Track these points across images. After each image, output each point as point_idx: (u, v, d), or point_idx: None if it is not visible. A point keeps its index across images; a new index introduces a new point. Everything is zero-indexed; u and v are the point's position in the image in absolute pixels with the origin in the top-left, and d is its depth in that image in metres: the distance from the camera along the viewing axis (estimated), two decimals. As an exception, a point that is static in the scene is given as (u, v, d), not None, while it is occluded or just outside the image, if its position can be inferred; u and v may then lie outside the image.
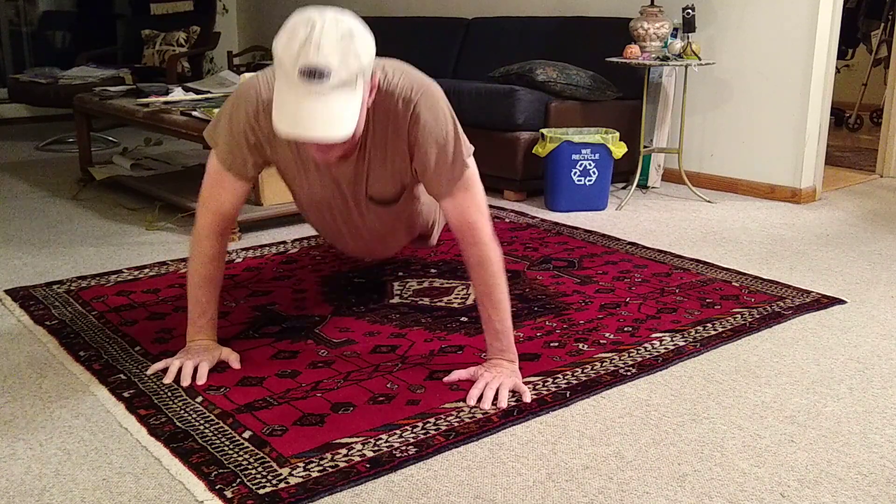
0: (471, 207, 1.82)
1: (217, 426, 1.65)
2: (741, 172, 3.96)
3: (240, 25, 7.17)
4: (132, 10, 6.76)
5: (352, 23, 1.58)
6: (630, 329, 2.19)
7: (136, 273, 2.64)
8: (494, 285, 1.83)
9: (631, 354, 2.03)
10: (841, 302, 2.44)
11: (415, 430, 1.65)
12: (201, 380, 1.84)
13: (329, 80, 1.53)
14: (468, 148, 1.83)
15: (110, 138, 5.27)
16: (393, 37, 5.27)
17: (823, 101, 3.76)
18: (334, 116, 1.55)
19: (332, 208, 2.06)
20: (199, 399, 1.77)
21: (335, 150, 1.69)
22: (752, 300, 2.42)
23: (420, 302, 2.37)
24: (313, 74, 1.52)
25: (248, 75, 3.52)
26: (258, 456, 1.54)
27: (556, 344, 2.09)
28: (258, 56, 6.60)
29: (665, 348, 2.07)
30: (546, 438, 1.64)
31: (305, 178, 1.96)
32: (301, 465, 1.51)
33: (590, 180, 3.57)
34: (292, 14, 1.60)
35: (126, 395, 1.79)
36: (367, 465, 1.52)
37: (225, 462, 1.52)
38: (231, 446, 1.57)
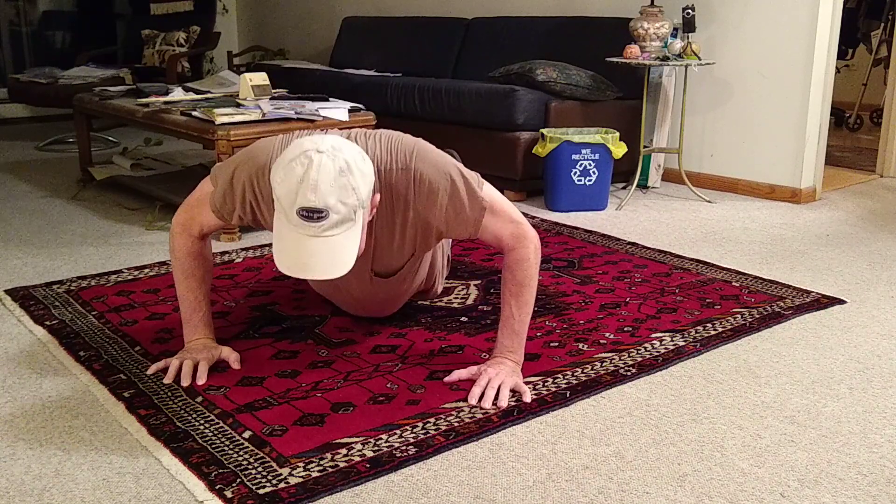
0: (504, 225, 1.81)
1: (217, 426, 1.65)
2: (741, 172, 3.96)
3: (240, 25, 7.17)
4: (132, 10, 6.76)
5: (348, 155, 1.56)
6: (630, 329, 2.19)
7: (136, 273, 2.64)
8: (526, 286, 1.83)
9: (631, 354, 2.03)
10: (841, 302, 2.44)
11: (415, 430, 1.65)
12: (201, 379, 1.84)
13: (328, 219, 1.53)
14: (477, 180, 1.80)
15: (110, 138, 5.27)
16: (393, 37, 5.27)
17: (823, 101, 3.76)
18: (334, 255, 1.56)
19: (335, 283, 2.04)
20: (199, 399, 1.77)
21: None
22: (752, 300, 2.42)
23: (420, 302, 2.36)
24: (311, 215, 1.52)
25: (248, 75, 3.52)
26: (258, 456, 1.54)
27: (556, 344, 2.09)
28: (258, 56, 6.60)
29: (665, 348, 2.07)
30: (546, 438, 1.64)
31: None
32: (301, 465, 1.51)
33: (590, 180, 3.57)
34: (291, 143, 1.58)
35: (126, 395, 1.79)
36: (367, 465, 1.52)
37: (225, 462, 1.52)
38: (231, 446, 1.57)
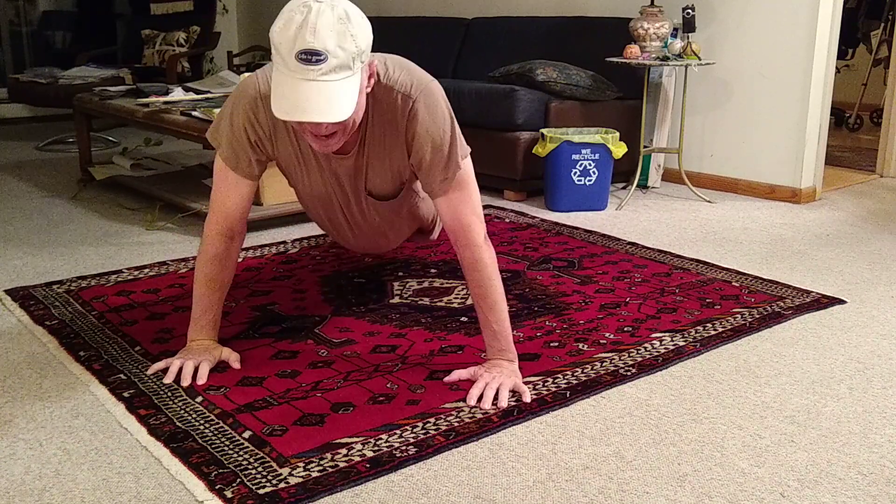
0: (465, 208, 1.82)
1: (217, 426, 1.65)
2: (741, 172, 3.96)
3: (240, 25, 7.17)
4: (132, 10, 6.76)
5: (347, 6, 1.58)
6: (630, 329, 2.19)
7: (136, 273, 2.64)
8: (489, 287, 1.83)
9: (631, 354, 2.03)
10: (841, 302, 2.44)
11: (415, 430, 1.65)
12: (202, 380, 1.84)
13: (326, 62, 1.53)
14: (464, 149, 1.84)
15: (110, 138, 5.27)
16: (393, 37, 5.27)
17: (823, 101, 3.76)
18: (332, 99, 1.55)
19: (333, 203, 2.07)
20: (199, 399, 1.77)
21: (333, 138, 1.68)
22: (752, 300, 2.42)
23: (420, 302, 2.37)
24: (310, 58, 1.52)
25: (247, 75, 3.52)
26: (258, 456, 1.54)
27: (556, 344, 2.09)
28: (258, 56, 6.59)
29: (665, 348, 2.07)
30: (546, 438, 1.64)
31: (307, 173, 1.97)
32: (301, 465, 1.51)
33: (590, 180, 3.57)
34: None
35: (126, 395, 1.79)
36: (367, 465, 1.52)
37: (225, 462, 1.52)
38: (231, 446, 1.57)
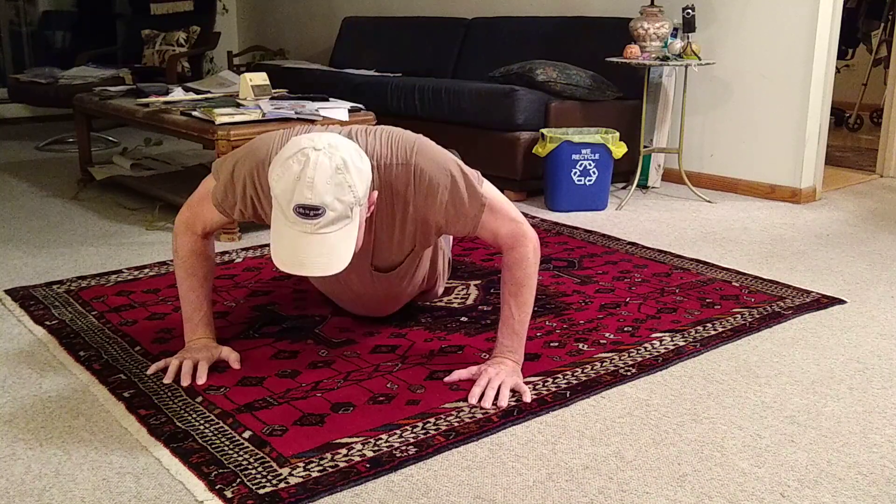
0: (503, 223, 1.81)
1: (217, 426, 1.65)
2: (741, 172, 3.96)
3: (240, 25, 7.17)
4: (132, 10, 6.76)
5: (345, 153, 1.57)
6: (630, 329, 2.19)
7: (136, 273, 2.64)
8: (525, 285, 1.83)
9: (631, 354, 2.03)
10: (841, 302, 2.44)
11: (415, 430, 1.65)
12: (201, 378, 1.84)
13: (324, 216, 1.53)
14: (477, 177, 1.80)
15: (110, 138, 5.27)
16: (393, 37, 5.27)
17: (823, 101, 3.76)
18: (331, 252, 1.56)
19: (334, 280, 2.04)
20: (199, 399, 1.77)
21: None
22: (752, 300, 2.42)
23: (421, 303, 2.36)
24: (308, 213, 1.53)
25: (248, 75, 3.52)
26: (258, 456, 1.54)
27: (556, 344, 2.09)
28: (258, 56, 6.60)
29: (665, 348, 2.07)
30: (546, 438, 1.64)
31: None
32: (301, 465, 1.51)
33: (590, 180, 3.57)
34: (289, 140, 1.58)
35: (126, 395, 1.79)
36: (367, 465, 1.52)
37: (225, 462, 1.52)
38: (231, 446, 1.57)
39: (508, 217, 1.82)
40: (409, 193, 1.76)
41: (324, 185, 1.52)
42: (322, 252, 1.56)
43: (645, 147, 3.95)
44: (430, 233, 1.84)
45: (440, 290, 2.35)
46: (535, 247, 1.83)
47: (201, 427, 1.65)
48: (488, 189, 1.81)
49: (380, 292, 2.06)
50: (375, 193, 1.70)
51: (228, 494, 1.41)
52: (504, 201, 1.83)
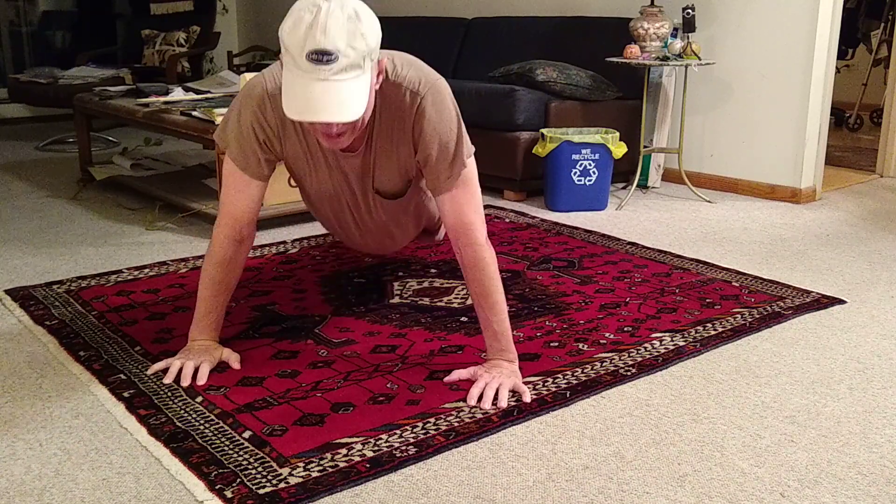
0: (467, 207, 1.82)
1: (217, 426, 1.65)
2: (741, 172, 3.96)
3: (240, 25, 7.17)
4: (132, 10, 6.76)
5: (357, 5, 1.58)
6: (630, 329, 2.19)
7: (136, 273, 2.64)
8: (490, 287, 1.83)
9: (631, 354, 2.03)
10: (841, 302, 2.44)
11: (415, 430, 1.65)
12: (202, 380, 1.84)
13: (337, 62, 1.53)
14: (469, 148, 1.84)
15: (110, 138, 5.27)
16: (393, 37, 5.27)
17: (823, 101, 3.75)
18: (344, 99, 1.56)
19: (341, 201, 2.07)
20: (199, 399, 1.77)
21: (343, 136, 1.69)
22: (752, 300, 2.42)
23: (420, 302, 2.37)
24: (321, 58, 1.53)
25: (248, 75, 3.52)
26: (258, 456, 1.54)
27: (556, 344, 2.09)
28: (258, 56, 6.60)
29: (665, 348, 2.07)
30: (546, 438, 1.64)
31: (315, 171, 1.96)
32: (301, 465, 1.51)
33: (590, 180, 3.57)
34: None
35: (126, 395, 1.79)
36: (367, 465, 1.52)
37: (225, 462, 1.52)
38: (231, 446, 1.57)
39: (476, 209, 1.84)
40: (406, 120, 1.80)
41: (337, 30, 1.53)
42: (335, 98, 1.55)
43: (645, 147, 3.95)
44: (416, 166, 1.88)
45: (441, 234, 2.37)
46: (491, 254, 1.84)
47: (201, 427, 1.65)
48: (472, 165, 1.85)
49: (383, 218, 2.08)
50: (385, 61, 1.71)
51: (228, 494, 1.41)
52: (478, 191, 1.86)
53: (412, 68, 1.80)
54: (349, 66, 1.55)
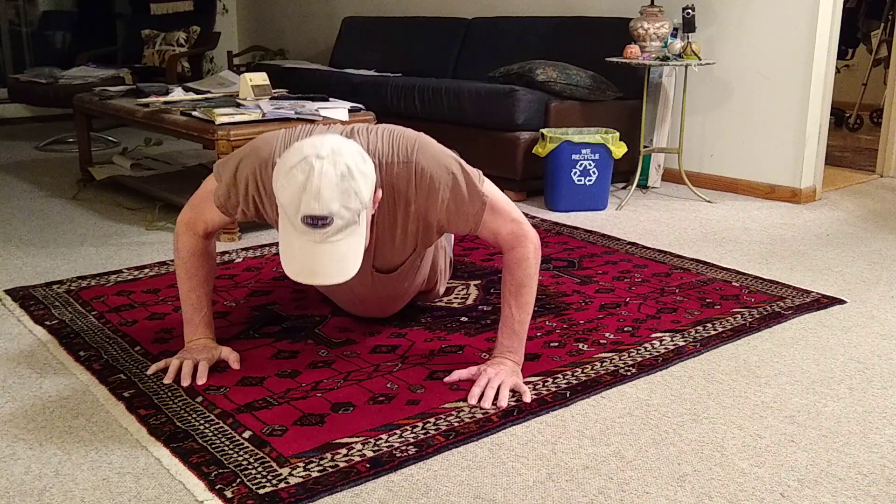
0: (504, 223, 1.81)
1: (217, 426, 1.65)
2: (741, 172, 3.96)
3: (240, 25, 7.17)
4: (132, 10, 6.76)
5: (349, 159, 1.56)
6: (630, 329, 2.19)
7: (136, 273, 2.64)
8: (525, 285, 1.83)
9: (631, 354, 2.03)
10: (841, 302, 2.44)
11: (415, 430, 1.65)
12: (201, 379, 1.84)
13: (332, 225, 1.54)
14: (478, 176, 1.80)
15: (110, 138, 5.27)
16: (393, 37, 5.27)
17: (823, 101, 3.76)
18: (341, 259, 1.57)
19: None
20: (199, 399, 1.77)
21: None
22: (752, 300, 2.42)
23: (421, 303, 2.36)
24: (316, 223, 1.53)
25: (248, 75, 3.52)
26: (258, 456, 1.54)
27: (556, 344, 2.09)
28: (258, 56, 6.60)
29: (665, 348, 2.07)
30: (546, 438, 1.64)
31: None
32: (301, 465, 1.51)
33: (590, 180, 3.57)
34: (291, 145, 1.59)
35: (126, 395, 1.79)
36: (367, 465, 1.52)
37: (225, 462, 1.52)
38: (231, 446, 1.57)
39: (509, 217, 1.82)
40: (410, 192, 1.76)
41: (330, 194, 1.53)
42: (333, 260, 1.57)
43: (645, 147, 3.95)
44: (431, 231, 1.84)
45: (441, 290, 2.35)
46: (535, 247, 1.83)
47: (201, 427, 1.65)
48: (489, 188, 1.81)
49: (381, 293, 2.05)
50: (380, 192, 1.70)
51: (228, 494, 1.41)
52: (505, 201, 1.83)
53: (384, 140, 1.76)
54: (344, 227, 1.56)
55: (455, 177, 1.76)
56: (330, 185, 1.53)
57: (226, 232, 3.03)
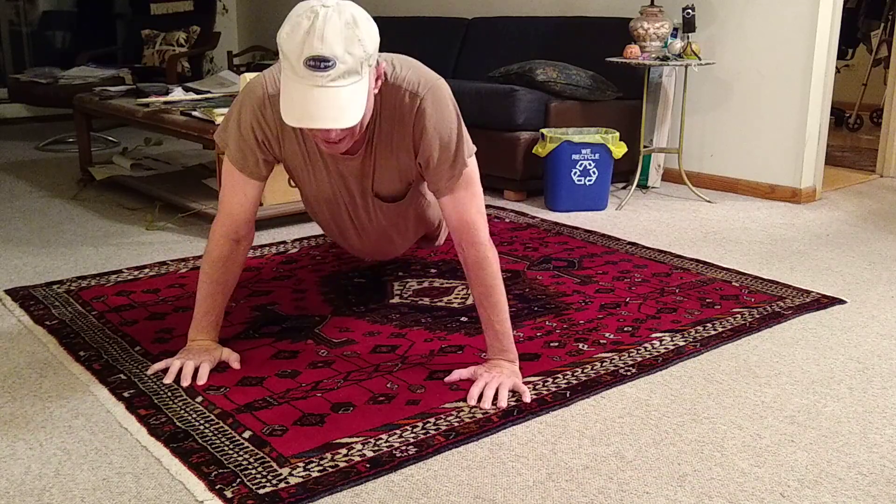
0: (470, 206, 1.82)
1: (217, 426, 1.65)
2: (741, 172, 3.96)
3: (240, 25, 7.17)
4: (132, 10, 6.76)
5: (354, 10, 1.58)
6: (630, 329, 2.19)
7: (136, 273, 2.64)
8: (492, 286, 1.83)
9: (631, 354, 2.03)
10: (841, 302, 2.44)
11: (415, 430, 1.65)
12: (202, 380, 1.84)
13: (335, 68, 1.54)
14: (470, 148, 1.84)
15: (110, 138, 5.27)
16: (393, 37, 5.27)
17: (823, 101, 3.76)
18: (341, 105, 1.56)
19: (339, 205, 2.07)
20: (199, 399, 1.77)
21: (343, 142, 1.69)
22: (752, 300, 2.42)
23: (420, 302, 2.37)
24: (318, 64, 1.53)
25: (248, 75, 3.52)
26: (258, 456, 1.54)
27: (556, 344, 2.09)
28: (258, 56, 6.60)
29: (665, 348, 2.07)
30: (546, 438, 1.64)
31: (313, 174, 1.96)
32: (301, 465, 1.51)
33: (590, 180, 3.57)
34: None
35: (126, 395, 1.79)
36: (367, 465, 1.52)
37: (225, 462, 1.52)
38: (231, 446, 1.57)
39: (478, 209, 1.84)
40: (406, 122, 1.79)
41: (334, 37, 1.53)
42: (333, 105, 1.56)
43: (645, 147, 3.95)
44: (416, 168, 1.88)
45: (442, 239, 2.36)
46: (494, 254, 1.85)
47: (201, 427, 1.65)
48: (473, 165, 1.85)
49: (383, 223, 2.07)
50: (383, 66, 1.72)
51: (228, 494, 1.41)
52: (480, 191, 1.87)
53: (411, 70, 1.80)
54: (347, 72, 1.55)
55: (449, 134, 1.79)
56: (335, 30, 1.53)
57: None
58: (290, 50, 1.55)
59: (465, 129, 1.83)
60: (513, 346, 1.87)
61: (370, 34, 1.59)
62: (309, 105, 1.55)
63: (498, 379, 1.79)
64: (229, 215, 1.89)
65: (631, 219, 3.45)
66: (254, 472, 1.49)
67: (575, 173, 3.54)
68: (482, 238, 1.83)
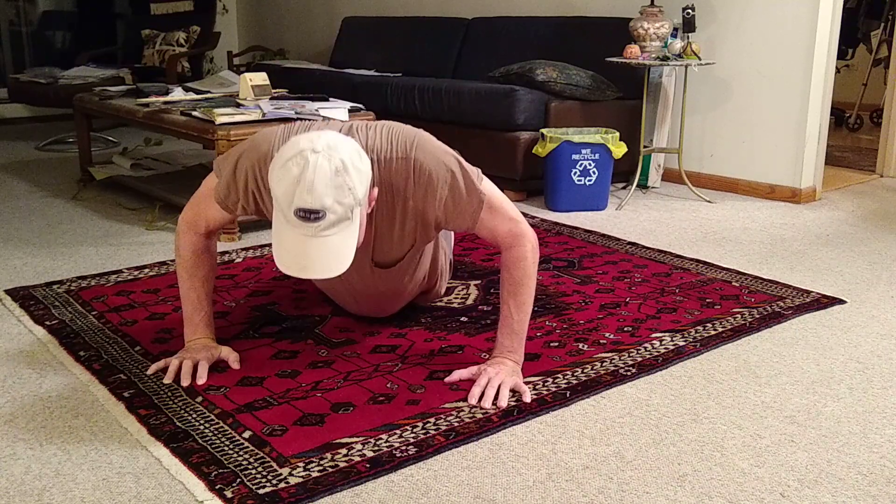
0: (502, 221, 1.82)
1: (217, 426, 1.65)
2: (741, 172, 3.96)
3: (240, 25, 7.17)
4: (132, 10, 6.76)
5: (344, 154, 1.56)
6: (630, 329, 2.19)
7: (136, 273, 2.64)
8: (524, 285, 1.83)
9: (631, 354, 2.03)
10: (841, 302, 2.44)
11: (415, 430, 1.65)
12: (201, 378, 1.84)
13: (325, 219, 1.54)
14: (476, 174, 1.81)
15: (110, 138, 5.27)
16: (393, 37, 5.27)
17: (823, 101, 3.76)
18: (332, 255, 1.57)
19: (336, 276, 2.03)
20: (199, 399, 1.77)
21: None
22: (752, 300, 2.42)
23: (422, 304, 2.36)
24: (308, 216, 1.53)
25: (248, 75, 3.52)
26: (258, 456, 1.54)
27: (556, 344, 2.09)
28: (258, 56, 6.60)
29: (665, 348, 2.07)
30: (546, 438, 1.64)
31: None
32: (301, 465, 1.51)
33: (590, 180, 3.57)
34: (287, 142, 1.59)
35: (126, 395, 1.79)
36: (367, 465, 1.52)
37: (225, 462, 1.52)
38: (231, 446, 1.57)
39: (507, 216, 1.82)
40: (408, 188, 1.76)
41: (323, 188, 1.52)
42: (324, 255, 1.56)
43: (645, 147, 3.95)
44: (429, 228, 1.84)
45: (442, 290, 2.34)
46: (533, 246, 1.83)
47: (201, 427, 1.65)
48: (488, 186, 1.81)
49: (381, 289, 2.05)
50: (376, 190, 1.70)
51: (228, 494, 1.41)
52: (503, 199, 1.84)
53: (387, 136, 1.76)
54: (337, 222, 1.55)
55: (454, 174, 1.76)
56: (324, 180, 1.52)
57: (226, 232, 3.03)
58: (279, 195, 1.55)
59: (463, 159, 1.80)
60: (522, 349, 1.87)
61: (361, 177, 1.58)
62: (300, 255, 1.56)
63: (499, 377, 1.79)
64: (196, 222, 1.90)
65: (631, 219, 3.45)
66: (254, 472, 1.49)
67: (575, 173, 3.54)
68: (525, 235, 1.83)
